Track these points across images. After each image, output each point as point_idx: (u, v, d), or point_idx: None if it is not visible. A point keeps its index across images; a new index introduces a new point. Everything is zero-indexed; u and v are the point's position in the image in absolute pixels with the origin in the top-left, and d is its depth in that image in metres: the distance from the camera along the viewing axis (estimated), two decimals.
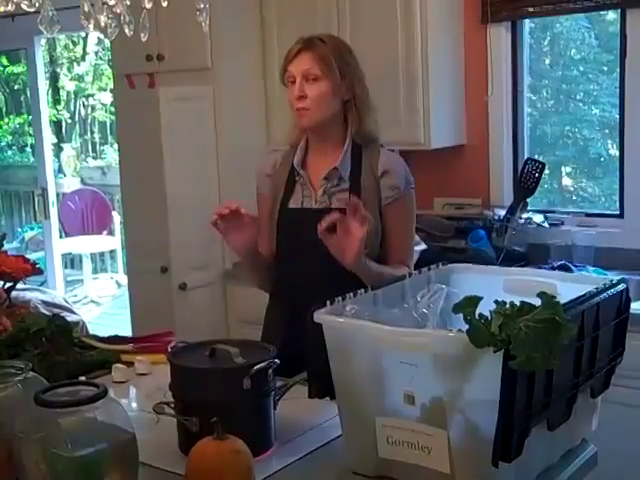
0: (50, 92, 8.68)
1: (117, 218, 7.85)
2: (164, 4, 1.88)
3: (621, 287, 1.69)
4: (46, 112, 6.44)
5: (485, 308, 1.39)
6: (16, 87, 8.92)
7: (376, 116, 2.36)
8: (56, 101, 9.15)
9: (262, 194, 2.44)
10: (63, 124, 9.27)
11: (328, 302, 1.62)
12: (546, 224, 3.52)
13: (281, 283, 2.38)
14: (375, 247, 2.28)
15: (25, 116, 8.66)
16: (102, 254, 8.18)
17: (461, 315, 1.39)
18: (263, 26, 3.85)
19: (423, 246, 3.39)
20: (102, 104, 9.15)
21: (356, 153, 2.32)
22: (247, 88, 3.85)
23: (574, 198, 3.85)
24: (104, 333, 2.55)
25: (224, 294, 3.80)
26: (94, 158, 9.38)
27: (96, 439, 1.40)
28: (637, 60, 3.27)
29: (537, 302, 1.38)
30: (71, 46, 9.13)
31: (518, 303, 1.38)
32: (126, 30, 1.87)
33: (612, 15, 3.49)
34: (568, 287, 1.68)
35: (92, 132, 9.42)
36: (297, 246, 2.29)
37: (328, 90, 2.26)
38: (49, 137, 6.68)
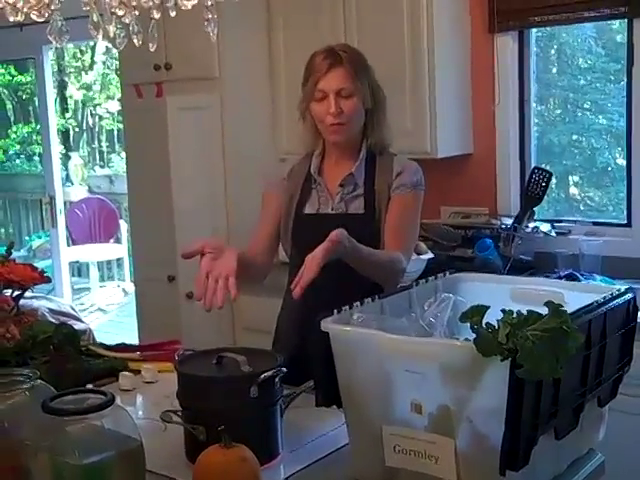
0: (58, 101, 8.71)
1: (124, 226, 7.87)
2: (172, 14, 1.88)
3: (628, 296, 1.69)
4: (54, 121, 6.46)
5: (492, 317, 1.39)
6: (24, 96, 8.95)
7: (389, 122, 2.38)
8: (64, 110, 9.19)
9: (270, 194, 2.43)
10: (71, 133, 9.31)
11: (335, 310, 1.62)
12: (553, 233, 3.51)
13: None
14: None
15: (33, 125, 8.69)
16: (109, 262, 8.20)
17: (468, 324, 1.39)
18: (270, 36, 3.87)
19: (430, 255, 3.39)
20: (109, 113, 9.18)
21: (370, 160, 2.34)
22: (254, 97, 3.86)
23: (581, 207, 3.84)
24: (111, 341, 2.55)
25: (231, 302, 3.79)
26: (101, 167, 9.42)
27: (103, 447, 1.40)
28: None
29: (544, 311, 1.38)
30: (79, 55, 9.17)
31: (525, 312, 1.38)
32: (134, 40, 1.87)
33: (619, 24, 3.49)
34: (575, 296, 1.68)
35: (100, 141, 9.46)
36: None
37: (360, 104, 2.28)
38: (57, 146, 6.70)
